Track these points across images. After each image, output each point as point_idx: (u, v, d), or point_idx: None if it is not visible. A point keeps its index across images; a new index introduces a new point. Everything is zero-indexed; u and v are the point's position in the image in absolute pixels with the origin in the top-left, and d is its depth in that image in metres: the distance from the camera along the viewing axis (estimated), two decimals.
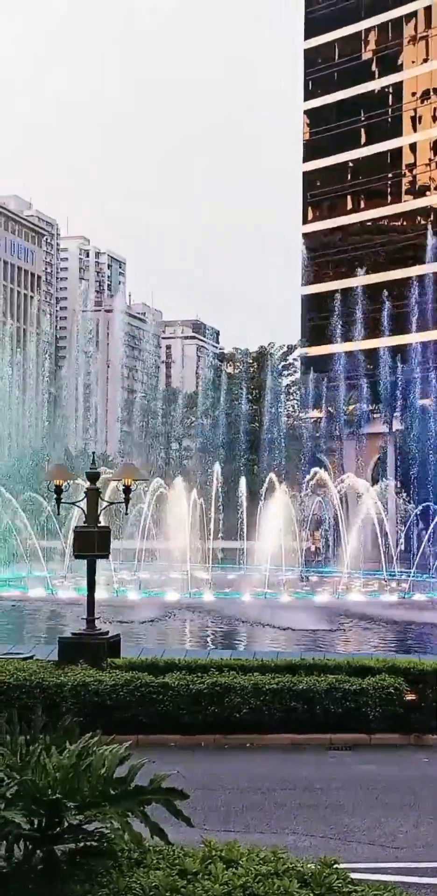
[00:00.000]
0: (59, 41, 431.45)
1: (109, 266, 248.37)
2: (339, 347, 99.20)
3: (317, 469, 66.26)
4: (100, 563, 22.28)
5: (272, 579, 49.86)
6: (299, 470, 64.10)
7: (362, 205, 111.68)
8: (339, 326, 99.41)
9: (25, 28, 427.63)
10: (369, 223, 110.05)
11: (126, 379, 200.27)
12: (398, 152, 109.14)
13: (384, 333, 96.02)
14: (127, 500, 22.61)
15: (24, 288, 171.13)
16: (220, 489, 62.23)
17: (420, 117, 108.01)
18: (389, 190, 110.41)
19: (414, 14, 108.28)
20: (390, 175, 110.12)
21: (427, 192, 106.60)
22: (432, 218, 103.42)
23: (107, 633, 20.30)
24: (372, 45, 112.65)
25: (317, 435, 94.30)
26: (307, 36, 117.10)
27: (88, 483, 21.03)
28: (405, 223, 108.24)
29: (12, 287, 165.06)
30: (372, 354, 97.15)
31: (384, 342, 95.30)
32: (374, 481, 78.14)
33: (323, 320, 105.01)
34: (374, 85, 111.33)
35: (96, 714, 16.18)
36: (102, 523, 21.09)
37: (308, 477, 64.35)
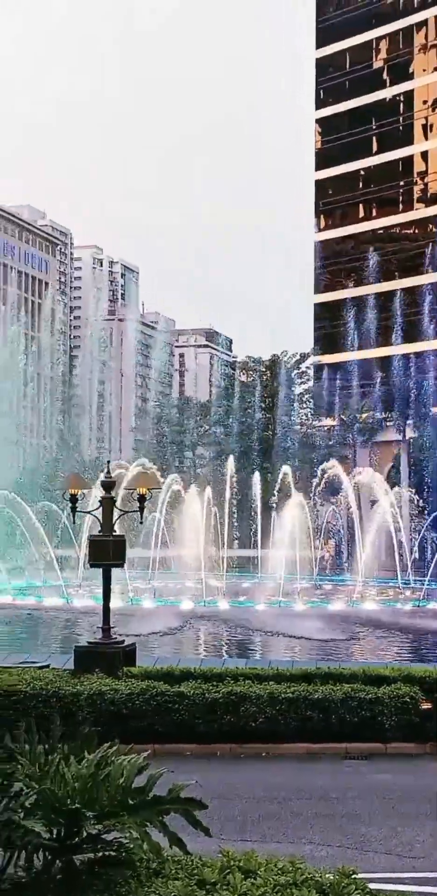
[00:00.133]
0: (59, 41, 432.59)
1: (123, 275, 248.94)
2: (352, 355, 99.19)
3: (333, 462, 66.15)
4: (115, 571, 22.28)
5: (287, 588, 49.81)
6: (313, 478, 64.09)
7: (374, 213, 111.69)
8: (351, 334, 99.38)
9: (25, 28, 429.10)
10: (381, 231, 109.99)
11: (139, 387, 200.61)
12: (409, 160, 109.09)
13: (397, 341, 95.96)
14: (142, 509, 22.62)
15: (38, 297, 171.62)
16: (233, 495, 62.20)
17: (431, 125, 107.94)
18: (401, 198, 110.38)
19: (425, 23, 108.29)
20: (401, 183, 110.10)
21: None
22: None
23: (122, 641, 20.32)
24: (383, 54, 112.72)
25: (330, 443, 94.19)
26: (319, 45, 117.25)
27: (103, 492, 21.06)
28: (417, 231, 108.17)
29: (27, 296, 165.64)
30: (385, 362, 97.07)
31: (397, 350, 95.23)
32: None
33: (335, 328, 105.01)
34: (385, 93, 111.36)
35: (112, 723, 16.20)
36: (117, 532, 21.11)
37: (322, 468, 64.03)
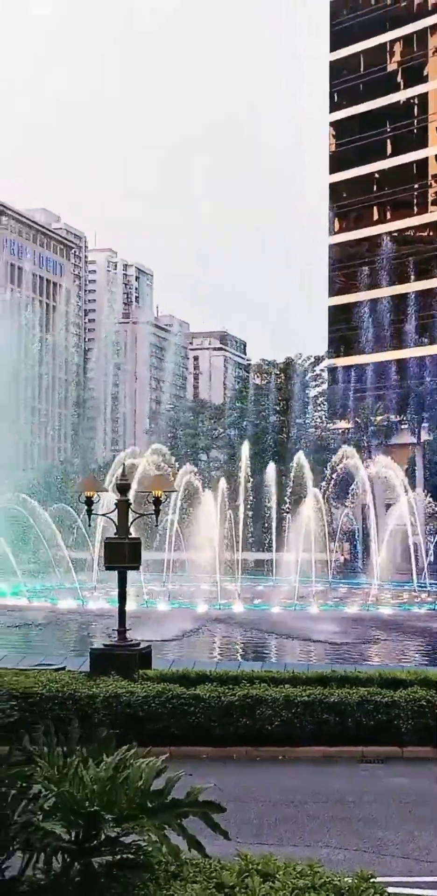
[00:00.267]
0: (60, 41, 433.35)
1: (137, 278, 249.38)
2: (366, 358, 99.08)
3: (345, 447, 65.84)
4: (129, 574, 22.29)
5: (302, 591, 49.73)
6: (330, 481, 64.07)
7: (389, 216, 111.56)
8: (366, 336, 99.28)
9: (25, 28, 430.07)
10: (395, 234, 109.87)
11: (154, 390, 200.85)
12: (424, 163, 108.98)
13: (411, 344, 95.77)
14: (157, 512, 22.62)
15: (53, 300, 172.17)
16: (248, 491, 62.03)
17: None
18: (415, 201, 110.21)
19: None
20: (416, 186, 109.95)
21: None
22: None
23: (138, 644, 20.31)
24: (397, 57, 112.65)
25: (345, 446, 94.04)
26: (333, 48, 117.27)
27: (119, 494, 21.08)
28: (431, 233, 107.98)
29: (41, 300, 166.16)
30: (400, 364, 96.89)
31: (412, 352, 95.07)
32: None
33: (350, 331, 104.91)
34: (399, 96, 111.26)
35: (128, 725, 16.23)
36: (133, 534, 21.13)
37: (336, 458, 63.66)
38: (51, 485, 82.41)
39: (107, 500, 27.55)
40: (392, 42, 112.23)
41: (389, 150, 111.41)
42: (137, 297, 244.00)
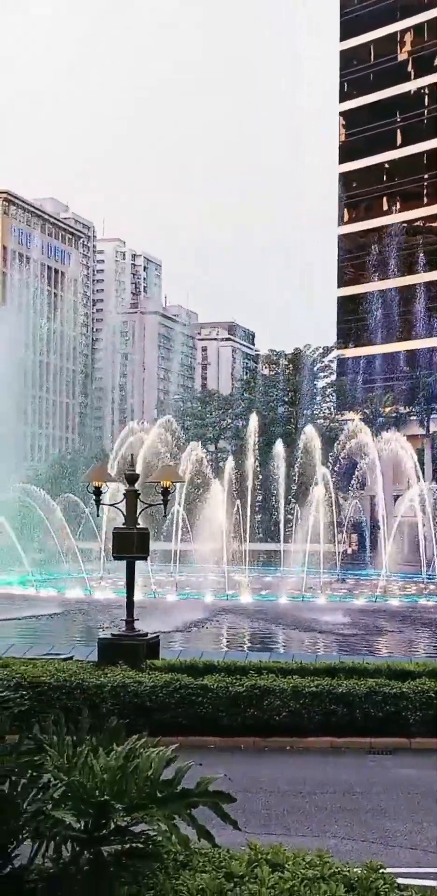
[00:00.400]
0: (59, 41, 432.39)
1: (145, 268, 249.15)
2: (375, 349, 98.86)
3: (352, 419, 65.53)
4: (137, 564, 22.30)
5: (310, 582, 49.74)
6: (335, 472, 63.93)
7: (399, 206, 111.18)
8: (375, 327, 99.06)
9: (25, 28, 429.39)
10: (405, 224, 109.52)
11: (162, 380, 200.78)
12: (434, 153, 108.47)
13: (421, 335, 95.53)
14: (166, 503, 22.63)
15: (60, 290, 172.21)
16: (256, 475, 61.94)
17: None
18: (425, 191, 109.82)
19: None
20: (426, 176, 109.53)
21: None
22: None
23: (146, 634, 20.32)
24: (408, 46, 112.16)
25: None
26: (343, 37, 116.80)
27: (127, 485, 21.08)
28: None
29: (49, 289, 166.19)
30: (409, 356, 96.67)
31: (421, 343, 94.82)
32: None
33: (359, 321, 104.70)
34: (410, 86, 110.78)
35: (136, 715, 16.25)
36: (140, 524, 21.13)
37: (343, 435, 63.43)
38: (58, 475, 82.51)
39: (113, 489, 27.57)
40: (403, 31, 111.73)
41: (399, 140, 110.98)
42: (145, 287, 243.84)
